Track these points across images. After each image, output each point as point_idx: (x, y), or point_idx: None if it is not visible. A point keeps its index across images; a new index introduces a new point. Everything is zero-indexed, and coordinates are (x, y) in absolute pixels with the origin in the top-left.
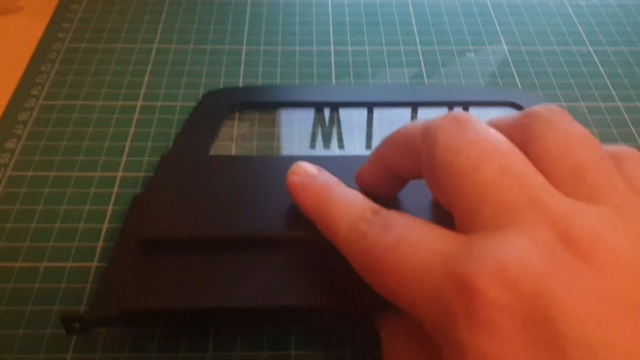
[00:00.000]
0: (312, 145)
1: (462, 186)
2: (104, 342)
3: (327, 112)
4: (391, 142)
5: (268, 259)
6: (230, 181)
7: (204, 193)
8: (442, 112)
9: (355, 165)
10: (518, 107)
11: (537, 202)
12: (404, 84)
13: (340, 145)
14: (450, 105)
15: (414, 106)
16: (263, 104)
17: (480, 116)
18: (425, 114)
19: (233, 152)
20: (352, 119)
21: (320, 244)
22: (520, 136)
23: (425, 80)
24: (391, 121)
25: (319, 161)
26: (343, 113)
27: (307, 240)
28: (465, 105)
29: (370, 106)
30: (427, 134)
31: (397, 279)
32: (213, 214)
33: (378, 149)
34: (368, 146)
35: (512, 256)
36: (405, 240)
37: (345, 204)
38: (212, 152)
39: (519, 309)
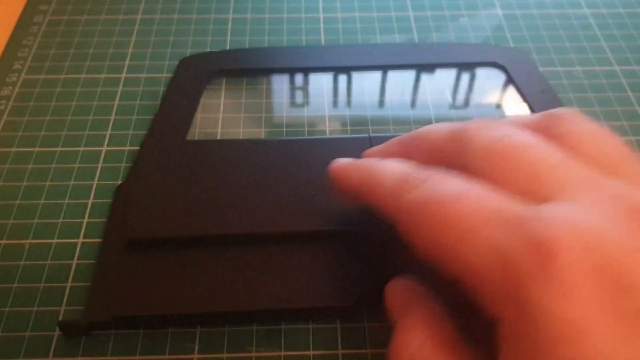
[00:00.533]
0: (301, 121)
1: (512, 168)
2: None
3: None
4: (412, 144)
5: (264, 255)
6: (218, 170)
7: (191, 185)
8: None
9: (349, 147)
10: (501, 67)
11: (592, 181)
12: (393, 44)
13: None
14: (429, 67)
15: (407, 68)
16: (247, 70)
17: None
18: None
19: (219, 126)
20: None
21: (322, 237)
22: (546, 134)
23: None
24: (362, 82)
25: (307, 143)
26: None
27: (307, 234)
28: (447, 67)
29: (341, 71)
30: (457, 136)
31: (454, 234)
32: (203, 209)
33: (394, 147)
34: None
35: (589, 222)
36: (468, 194)
37: (394, 165)
38: (195, 128)
39: (600, 274)
